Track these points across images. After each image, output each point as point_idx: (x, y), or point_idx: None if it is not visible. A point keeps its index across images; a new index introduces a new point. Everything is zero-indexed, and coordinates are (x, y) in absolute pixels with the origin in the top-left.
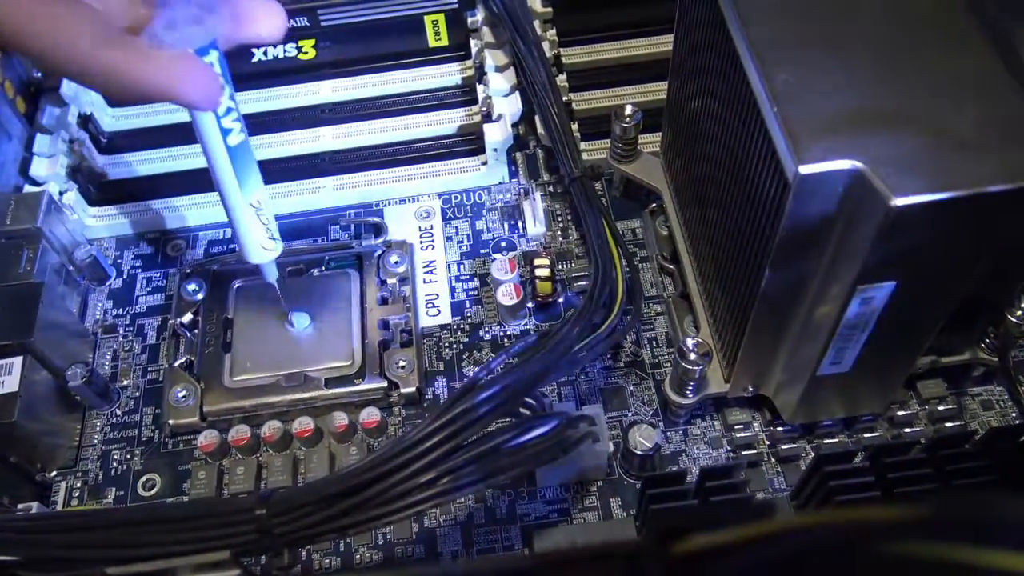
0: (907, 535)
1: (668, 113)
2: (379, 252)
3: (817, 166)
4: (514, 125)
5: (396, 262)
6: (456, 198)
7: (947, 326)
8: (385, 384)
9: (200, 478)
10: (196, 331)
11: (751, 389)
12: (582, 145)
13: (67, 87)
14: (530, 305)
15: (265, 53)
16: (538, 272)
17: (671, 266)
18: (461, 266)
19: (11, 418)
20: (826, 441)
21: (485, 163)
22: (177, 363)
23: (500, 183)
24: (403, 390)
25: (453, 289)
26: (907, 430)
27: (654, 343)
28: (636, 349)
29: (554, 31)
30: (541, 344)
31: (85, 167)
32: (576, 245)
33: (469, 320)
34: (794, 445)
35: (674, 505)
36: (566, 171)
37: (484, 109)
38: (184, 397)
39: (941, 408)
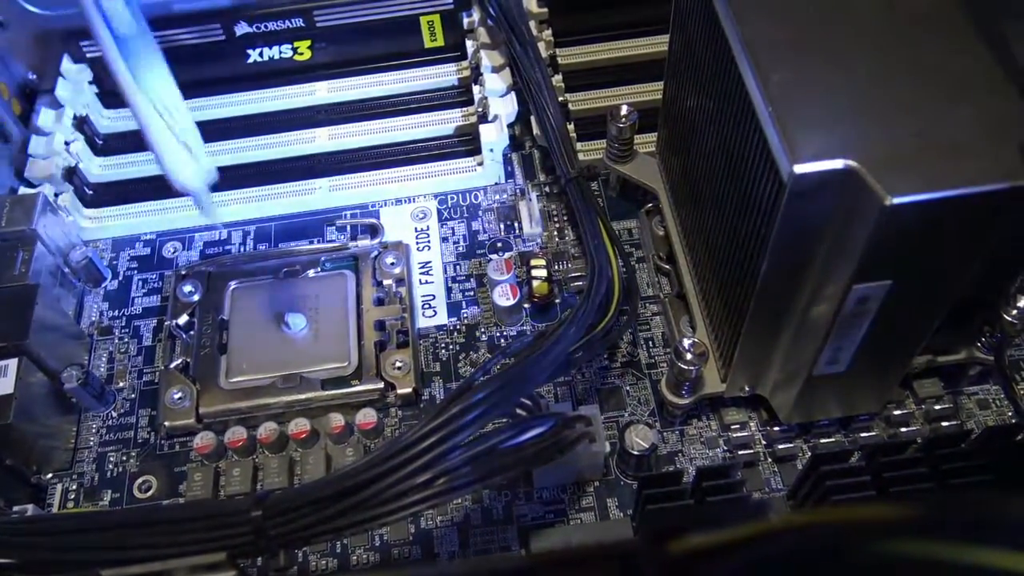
0: (901, 534)
1: (664, 113)
2: (375, 253)
3: (812, 165)
4: (510, 126)
5: (392, 263)
6: (452, 199)
7: (943, 325)
8: (381, 385)
9: (196, 480)
10: (192, 333)
11: (747, 389)
12: (578, 145)
13: (63, 89)
14: (526, 306)
15: (261, 54)
16: (534, 273)
17: (667, 266)
18: (457, 267)
19: (6, 420)
20: (822, 441)
21: (481, 164)
22: (173, 365)
23: (496, 184)
24: (399, 391)
25: (449, 290)
26: (903, 429)
27: (651, 343)
28: (633, 349)
29: (550, 31)
30: (537, 345)
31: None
32: (572, 245)
33: (465, 321)
34: (790, 445)
35: (669, 505)
36: (562, 171)
37: (480, 110)
38: (180, 399)
39: (937, 407)
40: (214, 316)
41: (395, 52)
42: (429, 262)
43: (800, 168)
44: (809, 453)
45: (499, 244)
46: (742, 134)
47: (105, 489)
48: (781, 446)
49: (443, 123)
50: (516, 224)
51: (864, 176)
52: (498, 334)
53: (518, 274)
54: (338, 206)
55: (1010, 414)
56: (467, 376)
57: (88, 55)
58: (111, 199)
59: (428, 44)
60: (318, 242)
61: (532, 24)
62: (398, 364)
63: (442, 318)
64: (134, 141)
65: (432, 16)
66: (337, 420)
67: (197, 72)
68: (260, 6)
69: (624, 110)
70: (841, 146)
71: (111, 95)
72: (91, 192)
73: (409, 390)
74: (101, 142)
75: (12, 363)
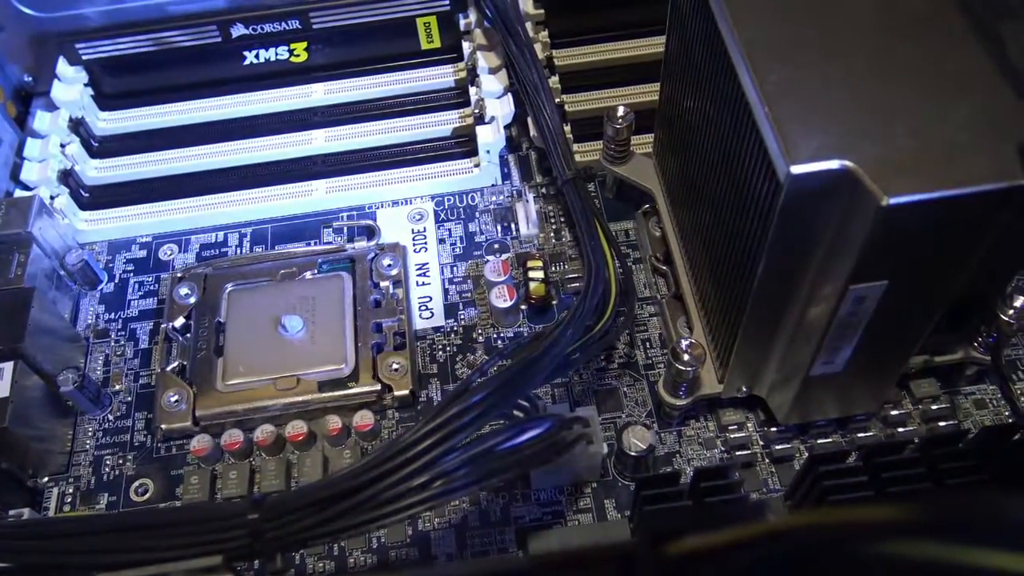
0: (899, 535)
1: (660, 114)
2: (372, 255)
3: (808, 166)
4: (507, 127)
5: (389, 265)
6: (449, 200)
7: (940, 325)
8: (378, 387)
9: (193, 483)
10: (188, 335)
11: (745, 390)
12: (575, 147)
13: (58, 91)
14: (523, 307)
15: (257, 56)
16: (531, 274)
17: (664, 267)
18: (454, 268)
19: (2, 424)
20: (820, 441)
21: (478, 165)
22: (169, 367)
23: (493, 185)
24: (396, 393)
25: (446, 291)
26: (900, 429)
27: (648, 344)
28: (630, 350)
29: (546, 33)
30: (534, 346)
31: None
32: (569, 247)
33: (463, 322)
34: (788, 445)
35: (666, 507)
36: (559, 173)
37: (477, 111)
38: (176, 401)
39: (934, 407)
40: (210, 318)
41: (391, 54)
42: (426, 264)
43: (797, 169)
44: (806, 453)
45: (496, 246)
46: (739, 135)
47: (101, 492)
48: (778, 447)
49: (440, 125)
50: (513, 225)
51: (861, 176)
52: (495, 336)
53: (515, 276)
54: (335, 208)
55: (1007, 414)
56: (464, 378)
57: (84, 57)
58: (107, 201)
59: (425, 46)
60: (315, 244)
61: (529, 25)
62: (395, 366)
63: (439, 320)
64: (130, 143)
65: (428, 18)
66: (334, 422)
67: (193, 74)
68: (256, 8)
69: (621, 111)
70: (838, 147)
71: (107, 97)
72: (87, 194)
73: (406, 392)
74: (97, 144)
75: (7, 366)
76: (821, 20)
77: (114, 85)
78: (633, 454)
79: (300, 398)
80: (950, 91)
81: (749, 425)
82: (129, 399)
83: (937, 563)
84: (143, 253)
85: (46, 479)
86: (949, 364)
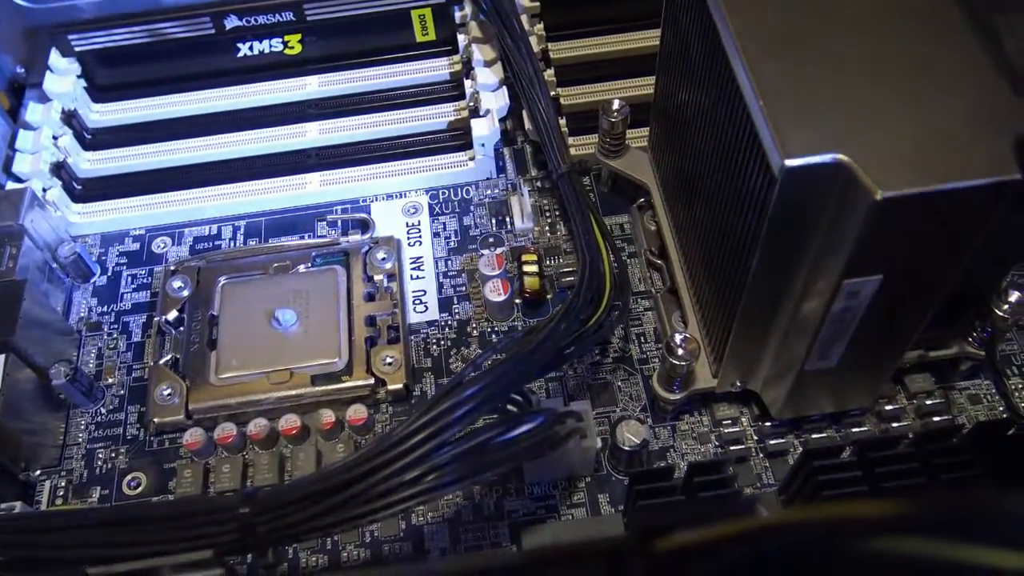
0: (889, 531)
1: (655, 108)
2: (366, 248)
3: (802, 159)
4: (502, 120)
5: (383, 258)
6: (444, 193)
7: (934, 320)
8: (372, 381)
9: (186, 476)
10: (181, 328)
11: (739, 384)
12: (570, 140)
13: (51, 83)
14: (518, 301)
15: (251, 48)
16: (526, 268)
17: (659, 261)
18: (449, 262)
19: None
20: (814, 436)
21: (473, 158)
22: (162, 361)
23: (488, 178)
24: (390, 387)
25: (441, 285)
26: (895, 425)
27: (642, 339)
28: (624, 345)
29: (542, 25)
30: (528, 340)
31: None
32: (564, 240)
33: (457, 316)
34: (782, 440)
35: (658, 502)
36: (554, 166)
37: (471, 104)
38: (169, 395)
39: (929, 402)
40: (204, 312)
41: (386, 46)
42: (420, 257)
43: (791, 162)
44: (801, 448)
45: (491, 239)
46: (733, 128)
47: (94, 486)
48: (773, 441)
49: (434, 118)
50: (508, 219)
51: (854, 170)
52: (490, 330)
53: (509, 270)
54: (329, 201)
55: (1001, 409)
56: (458, 372)
57: (77, 49)
58: (100, 194)
59: (419, 38)
60: (309, 237)
61: (524, 18)
62: (389, 360)
63: (433, 314)
64: (123, 135)
65: (423, 10)
66: (327, 416)
67: (187, 66)
68: (250, 0)
69: (616, 105)
70: (832, 140)
71: (100, 89)
72: (79, 187)
73: (400, 386)
74: (90, 136)
75: None
76: (816, 13)
77: (107, 77)
78: (627, 449)
79: (293, 392)
80: (945, 85)
81: (743, 420)
82: (122, 392)
83: (928, 559)
84: (136, 246)
85: (38, 472)
86: (944, 359)
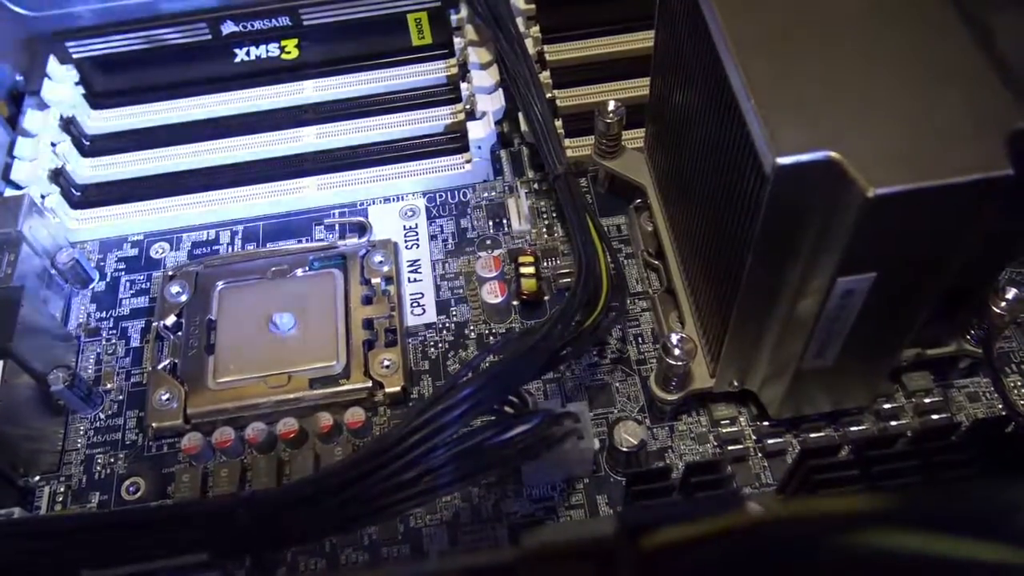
0: (877, 525)
1: (651, 109)
2: (363, 252)
3: (794, 158)
4: (498, 122)
5: (381, 261)
6: (440, 196)
7: (931, 318)
8: (370, 384)
9: (184, 481)
10: (180, 333)
11: (736, 384)
12: (566, 142)
13: (49, 90)
14: (515, 303)
15: (248, 53)
16: (523, 270)
17: (656, 262)
18: (446, 265)
19: None
20: (812, 435)
21: (469, 161)
22: (160, 366)
23: (485, 181)
24: (388, 390)
25: (438, 288)
26: (893, 423)
27: (640, 339)
28: (622, 345)
29: (537, 28)
30: (524, 341)
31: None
32: (561, 242)
33: (454, 319)
34: (780, 440)
35: (659, 501)
36: (550, 168)
37: (468, 107)
38: (167, 400)
39: (927, 401)
40: (202, 316)
41: (382, 50)
42: (418, 260)
43: (783, 160)
44: (799, 447)
45: (488, 241)
46: (726, 128)
47: (93, 491)
48: (771, 441)
49: (431, 120)
50: (505, 221)
51: (846, 168)
52: (487, 332)
53: (506, 271)
54: (326, 205)
55: (999, 406)
56: (453, 374)
57: (74, 56)
58: (98, 200)
59: (415, 42)
60: (306, 241)
61: (519, 20)
62: (386, 363)
63: (431, 316)
64: (121, 142)
65: (419, 14)
66: (325, 419)
67: (184, 72)
68: (246, 5)
69: (612, 106)
70: (824, 138)
71: (98, 96)
72: (78, 193)
73: (398, 389)
74: (88, 143)
75: None
76: (807, 12)
77: (105, 83)
78: (625, 449)
79: (291, 395)
80: (937, 82)
81: (741, 419)
82: (120, 398)
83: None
84: (134, 252)
85: (37, 478)
86: (942, 357)
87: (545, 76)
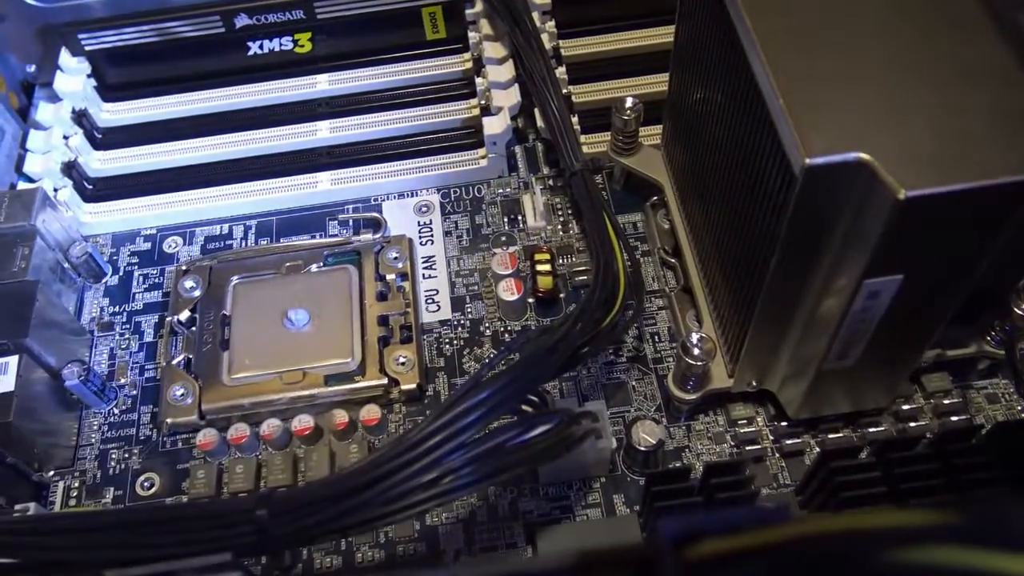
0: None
1: (669, 105)
2: (378, 248)
3: (824, 159)
4: (513, 118)
5: (395, 257)
6: (455, 192)
7: (953, 319)
8: (385, 381)
9: (199, 477)
10: (194, 328)
11: (755, 384)
12: (582, 138)
13: (61, 82)
14: (531, 300)
15: (261, 47)
16: (539, 267)
17: (673, 260)
18: (461, 261)
19: (7, 418)
20: (830, 436)
21: (484, 156)
22: (175, 361)
23: (500, 177)
24: (404, 387)
25: (453, 284)
26: (912, 424)
27: (656, 338)
28: (638, 344)
29: (553, 22)
30: (543, 341)
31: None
32: (577, 239)
33: (469, 316)
34: (798, 440)
35: (678, 502)
36: (566, 164)
37: (483, 102)
38: (182, 395)
39: (946, 402)
40: (216, 312)
41: (396, 44)
42: (432, 256)
43: (812, 161)
44: (817, 448)
45: (503, 238)
46: (751, 126)
47: (107, 487)
48: (789, 441)
49: (446, 115)
50: (520, 218)
51: (877, 169)
52: (502, 329)
53: (522, 268)
54: (340, 200)
55: (1020, 408)
56: (471, 371)
57: (87, 48)
58: (111, 194)
59: (430, 36)
60: (320, 237)
61: (535, 15)
62: (402, 359)
63: (446, 313)
64: (133, 135)
65: (434, 7)
66: (341, 416)
67: (197, 65)
68: None
69: (629, 102)
70: (853, 139)
71: (110, 88)
72: (90, 187)
73: (413, 386)
74: (100, 136)
75: (12, 360)
76: (835, 10)
77: (117, 76)
78: (643, 449)
79: (306, 392)
80: (965, 83)
81: (759, 419)
82: (134, 393)
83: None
84: (147, 246)
85: (52, 473)
86: (961, 358)
87: (561, 71)
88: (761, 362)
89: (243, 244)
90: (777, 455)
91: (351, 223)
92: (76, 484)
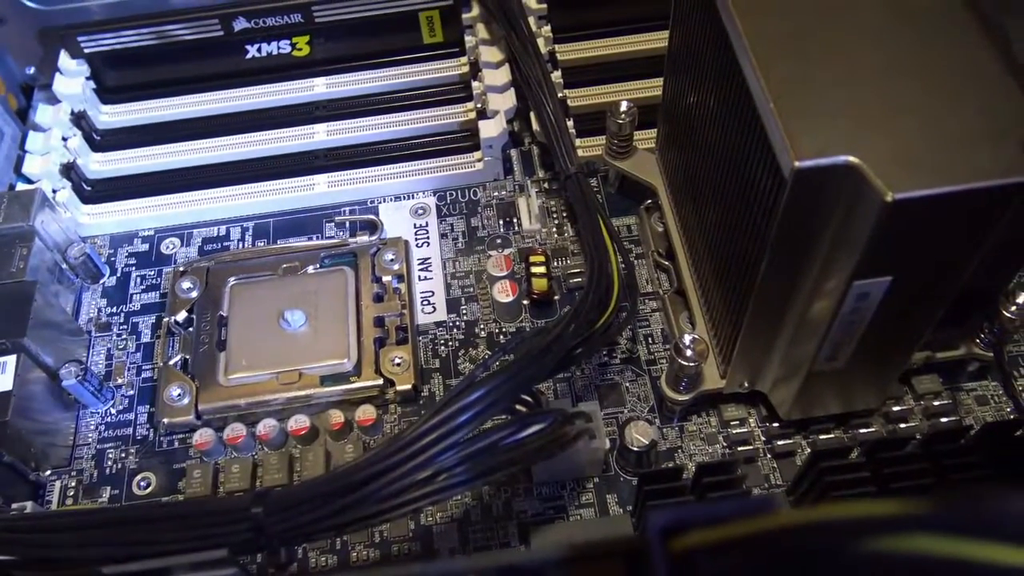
0: (908, 530)
1: (663, 109)
2: (374, 249)
3: (813, 161)
4: (509, 121)
5: (391, 259)
6: (451, 195)
7: (942, 321)
8: (381, 381)
9: (195, 477)
10: (191, 329)
11: (747, 385)
12: (577, 142)
13: (60, 84)
14: (526, 302)
15: (259, 50)
16: (534, 269)
17: (666, 262)
18: (456, 263)
19: (4, 417)
20: (822, 437)
21: (480, 160)
22: (172, 361)
23: (495, 180)
24: (399, 387)
25: (448, 286)
26: (902, 425)
27: (650, 339)
28: (632, 345)
29: (549, 27)
30: (538, 341)
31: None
32: (572, 242)
33: (465, 317)
34: (790, 441)
35: (671, 501)
36: (561, 168)
37: (479, 105)
38: (179, 395)
39: (936, 403)
40: (213, 312)
41: (393, 48)
42: (428, 258)
43: (801, 164)
44: (808, 449)
45: (498, 240)
46: (743, 130)
47: (104, 486)
48: (780, 442)
49: (442, 119)
50: (515, 220)
51: (865, 172)
52: (497, 331)
53: (517, 271)
54: (337, 202)
55: (1009, 410)
56: (466, 372)
57: (86, 50)
58: (109, 195)
59: (427, 40)
60: (317, 238)
61: (531, 19)
62: (397, 360)
63: (441, 314)
64: (132, 137)
65: (431, 12)
66: (336, 416)
67: (195, 68)
68: (259, 1)
69: (624, 106)
70: (842, 142)
71: (109, 90)
72: (89, 188)
73: (409, 386)
74: (99, 138)
75: (10, 360)
76: (826, 15)
77: (116, 78)
78: (635, 449)
79: (302, 392)
80: (955, 87)
81: (751, 420)
82: (131, 393)
83: (947, 559)
84: (145, 247)
85: (49, 472)
86: (951, 360)
87: (556, 76)
88: (753, 364)
89: (240, 246)
90: (769, 456)
91: (348, 225)
92: (73, 483)
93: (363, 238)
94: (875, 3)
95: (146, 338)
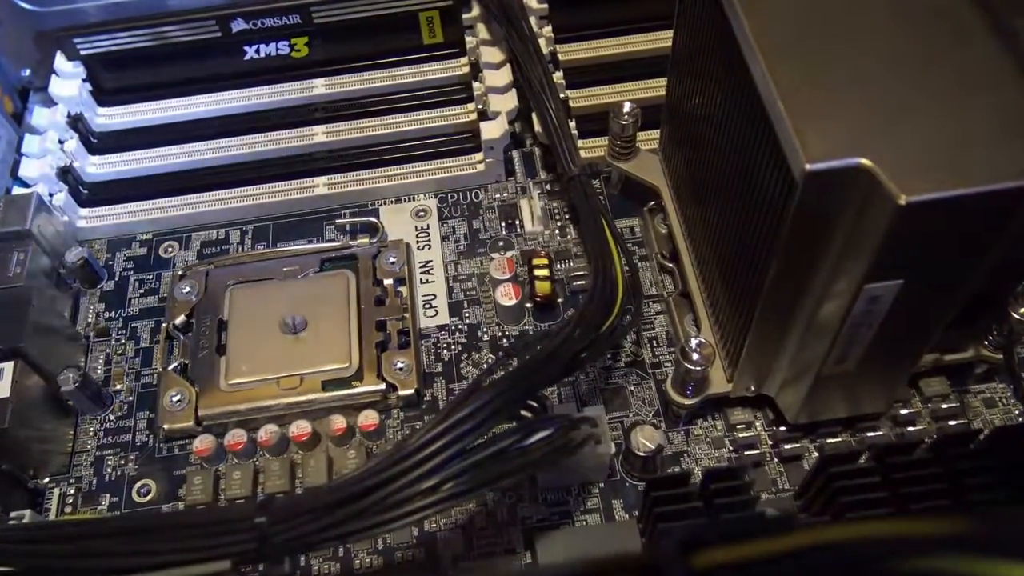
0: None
1: (667, 110)
2: (375, 252)
3: (824, 164)
4: (511, 123)
5: (393, 262)
6: (453, 197)
7: (951, 323)
8: (383, 386)
9: (196, 483)
10: (190, 334)
11: (753, 389)
12: (580, 143)
13: (56, 87)
14: (529, 305)
15: (257, 51)
16: (537, 272)
17: (671, 264)
18: (458, 266)
19: (2, 425)
20: (829, 441)
21: (482, 161)
22: (171, 366)
23: (497, 181)
24: (401, 392)
25: (451, 289)
26: (910, 429)
27: (655, 343)
28: (636, 349)
29: (550, 27)
30: (542, 346)
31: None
32: (574, 244)
33: (467, 321)
34: (797, 445)
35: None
36: (564, 169)
37: (480, 106)
38: (178, 401)
39: (944, 406)
40: (212, 317)
41: (393, 48)
42: (430, 261)
43: (812, 167)
44: (815, 453)
45: (500, 243)
46: (751, 132)
47: (103, 493)
48: (787, 446)
49: (443, 120)
50: (518, 222)
51: (877, 175)
52: (500, 334)
53: (520, 273)
54: (337, 205)
55: (1017, 412)
56: (469, 377)
57: (82, 52)
58: (107, 198)
59: (427, 40)
60: (317, 241)
61: (532, 20)
62: (400, 365)
63: (443, 318)
64: (129, 139)
65: (431, 12)
66: (338, 422)
67: (193, 69)
68: (257, 3)
69: (627, 107)
70: (854, 144)
71: (106, 93)
72: (86, 191)
73: (411, 391)
74: (96, 140)
75: (7, 366)
76: (835, 15)
77: (113, 80)
78: (641, 454)
79: (304, 397)
80: (965, 88)
81: (758, 424)
82: (131, 399)
83: None
84: (143, 251)
85: (47, 480)
86: (959, 362)
87: (558, 76)
88: (760, 367)
89: (240, 249)
90: (776, 460)
91: (348, 228)
92: (72, 491)
93: (364, 241)
94: (883, 3)
95: (145, 343)
